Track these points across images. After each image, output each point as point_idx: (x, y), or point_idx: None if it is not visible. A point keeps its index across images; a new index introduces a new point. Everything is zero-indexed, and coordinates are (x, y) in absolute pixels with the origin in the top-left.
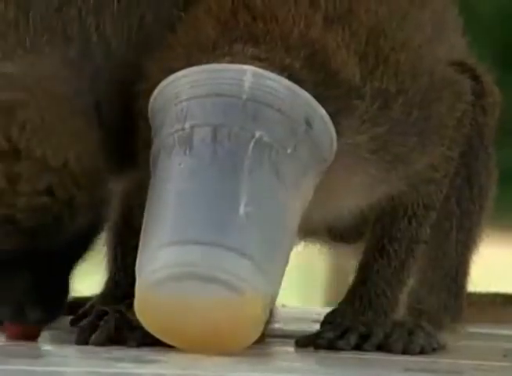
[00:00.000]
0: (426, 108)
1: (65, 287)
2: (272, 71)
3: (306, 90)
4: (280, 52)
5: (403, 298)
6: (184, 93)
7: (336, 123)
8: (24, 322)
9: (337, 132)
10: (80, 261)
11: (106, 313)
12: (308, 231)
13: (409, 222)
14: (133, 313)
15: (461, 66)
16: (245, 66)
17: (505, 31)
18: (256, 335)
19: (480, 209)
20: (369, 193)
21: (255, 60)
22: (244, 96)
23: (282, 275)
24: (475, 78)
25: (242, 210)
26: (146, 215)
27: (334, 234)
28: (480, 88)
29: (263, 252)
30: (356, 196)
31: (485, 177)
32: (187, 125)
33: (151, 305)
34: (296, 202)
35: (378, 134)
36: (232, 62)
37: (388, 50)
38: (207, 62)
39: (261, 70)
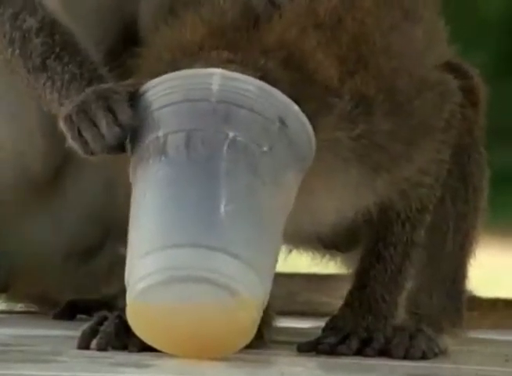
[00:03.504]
0: (411, 112)
1: None
2: (246, 73)
3: (281, 90)
4: (255, 55)
5: (402, 301)
6: (156, 102)
7: (314, 120)
8: None
9: (315, 129)
10: None
11: (106, 318)
12: (300, 239)
13: (403, 226)
14: None
15: (447, 66)
16: (213, 70)
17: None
18: (250, 336)
19: (475, 210)
20: (353, 197)
21: (229, 63)
22: (213, 99)
23: (272, 273)
24: (463, 75)
25: (222, 209)
26: (129, 224)
27: (326, 242)
28: (468, 85)
29: (249, 250)
30: (340, 198)
31: (479, 177)
32: (161, 134)
33: (142, 313)
34: (277, 199)
35: (358, 134)
36: (204, 66)
37: (369, 55)
38: (182, 67)
39: (229, 73)
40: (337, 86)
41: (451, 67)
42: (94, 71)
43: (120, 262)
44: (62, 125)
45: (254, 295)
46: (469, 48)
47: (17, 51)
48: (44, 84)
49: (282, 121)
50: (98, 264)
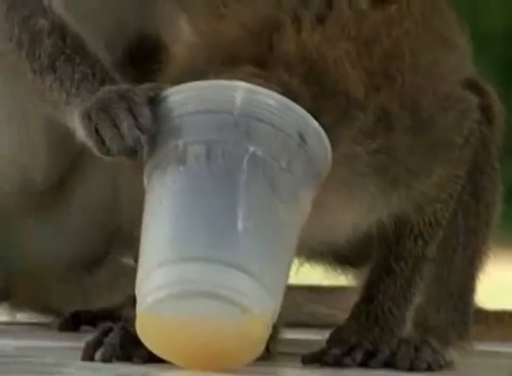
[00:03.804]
0: (432, 128)
1: None
2: (269, 87)
3: (302, 104)
4: (280, 69)
5: (409, 315)
6: (177, 110)
7: (334, 132)
8: None
9: (335, 142)
10: None
11: (111, 329)
12: (313, 252)
13: (416, 241)
14: None
15: (465, 82)
16: (237, 83)
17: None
18: (259, 351)
19: (486, 225)
20: (368, 211)
21: (253, 77)
22: (236, 112)
23: (282, 290)
24: (480, 92)
25: (240, 224)
26: (142, 232)
27: (340, 257)
28: (485, 102)
29: (263, 267)
30: (355, 212)
31: (491, 192)
32: (180, 143)
33: (152, 325)
34: (293, 215)
35: (377, 150)
36: (228, 78)
37: (398, 71)
38: (205, 77)
39: (252, 86)
40: (362, 99)
41: (468, 83)
42: (106, 73)
43: (124, 272)
44: (77, 121)
45: (264, 312)
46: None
47: (24, 52)
48: (50, 84)
49: (301, 137)
50: (102, 274)
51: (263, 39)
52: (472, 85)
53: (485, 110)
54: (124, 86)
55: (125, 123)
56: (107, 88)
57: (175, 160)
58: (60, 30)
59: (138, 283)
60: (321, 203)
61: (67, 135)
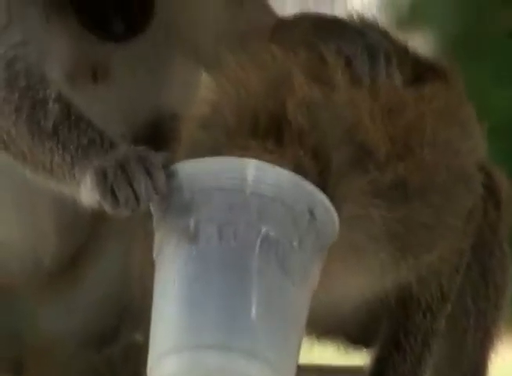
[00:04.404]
0: (443, 202)
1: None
2: (281, 164)
3: (311, 178)
4: (294, 145)
5: None
6: (188, 184)
7: (348, 182)
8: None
9: (348, 199)
10: None
11: None
12: (324, 331)
13: (424, 315)
14: None
15: (477, 165)
16: (248, 160)
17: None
18: None
19: (496, 308)
20: (376, 280)
21: (264, 153)
22: (248, 191)
23: (294, 371)
24: (488, 175)
25: (253, 310)
26: (153, 312)
27: (350, 335)
28: (493, 185)
29: (276, 352)
30: (363, 280)
31: (501, 275)
32: (192, 221)
33: None
34: (303, 294)
35: (392, 217)
36: (240, 154)
37: (418, 144)
38: (218, 153)
39: (263, 164)
40: (382, 159)
41: (478, 167)
42: (114, 141)
43: (135, 349)
44: (90, 179)
45: None
46: None
47: (23, 117)
48: (51, 148)
49: (311, 213)
50: (113, 350)
51: (280, 104)
52: (481, 168)
53: (493, 194)
54: (140, 148)
55: (142, 184)
56: (123, 148)
57: (187, 240)
58: (65, 100)
59: (149, 365)
60: (331, 269)
61: (77, 216)
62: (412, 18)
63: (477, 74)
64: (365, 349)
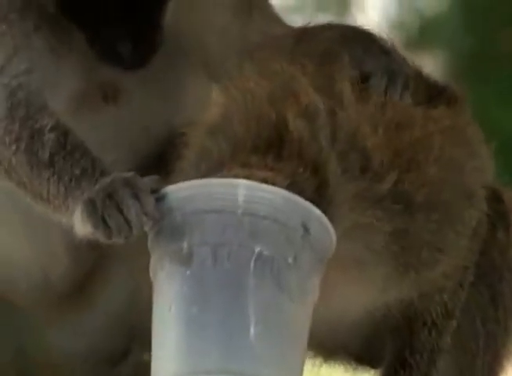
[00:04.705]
0: (447, 219)
1: (156, 25)
2: (277, 180)
3: (305, 194)
4: (293, 159)
5: None
6: (179, 207)
7: (343, 191)
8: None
9: (345, 208)
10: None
11: None
12: (329, 352)
13: (429, 333)
14: None
15: (485, 188)
16: (238, 180)
17: None
18: None
19: (506, 331)
20: (379, 294)
21: (266, 170)
22: (239, 211)
23: None
24: (498, 199)
25: (252, 331)
26: (153, 337)
27: (357, 355)
28: (502, 209)
29: (277, 370)
30: (365, 294)
31: (510, 297)
32: (185, 244)
33: None
34: (304, 310)
35: (394, 229)
36: (232, 174)
37: (425, 160)
38: (210, 174)
39: (254, 183)
40: (379, 170)
41: (486, 190)
42: (105, 169)
43: (145, 368)
44: (80, 211)
45: None
46: None
47: (22, 147)
48: (48, 179)
49: (305, 227)
50: (122, 370)
51: (283, 114)
52: (490, 190)
53: (503, 218)
54: (126, 174)
55: (132, 210)
56: (110, 177)
57: (181, 263)
58: (62, 129)
59: None
60: (332, 280)
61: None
62: (421, 39)
63: (486, 95)
64: (372, 370)
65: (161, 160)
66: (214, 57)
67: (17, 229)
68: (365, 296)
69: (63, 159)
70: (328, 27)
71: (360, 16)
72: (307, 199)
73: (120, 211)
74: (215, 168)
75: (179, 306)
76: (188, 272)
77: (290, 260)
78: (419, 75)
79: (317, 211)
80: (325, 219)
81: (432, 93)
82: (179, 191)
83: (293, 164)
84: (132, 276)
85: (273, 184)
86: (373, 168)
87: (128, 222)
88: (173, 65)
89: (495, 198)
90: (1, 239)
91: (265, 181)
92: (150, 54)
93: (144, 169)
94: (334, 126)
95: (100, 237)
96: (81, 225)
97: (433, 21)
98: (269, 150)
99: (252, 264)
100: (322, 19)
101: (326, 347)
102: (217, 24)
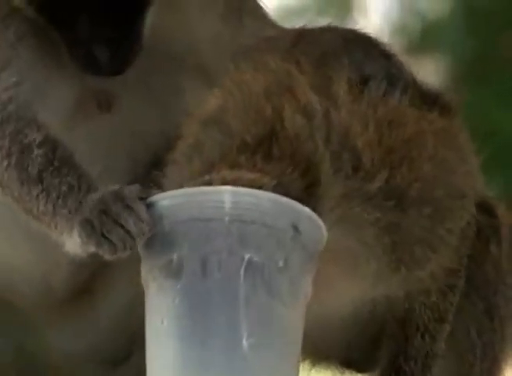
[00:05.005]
0: (437, 214)
1: (134, 31)
2: (260, 182)
3: (293, 193)
4: (284, 159)
5: None
6: (167, 216)
7: (334, 186)
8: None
9: (335, 202)
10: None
11: None
12: (319, 354)
13: (423, 338)
14: None
15: (476, 200)
16: (223, 187)
17: None
18: None
19: (503, 338)
20: (369, 289)
21: (254, 171)
22: (227, 218)
23: None
24: (490, 212)
25: (245, 343)
26: (146, 350)
27: (346, 360)
28: (495, 222)
29: None
30: (355, 289)
31: (505, 308)
32: (175, 256)
33: None
34: (296, 312)
35: (386, 225)
36: (218, 180)
37: (418, 157)
38: (197, 182)
39: (239, 189)
40: (369, 166)
41: (479, 202)
42: (92, 184)
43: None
44: (79, 233)
45: None
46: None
47: (13, 163)
48: (37, 195)
49: (295, 228)
50: (124, 373)
51: (278, 110)
52: (483, 205)
53: (495, 233)
54: (113, 187)
55: (130, 220)
56: (98, 193)
57: (172, 275)
58: (52, 143)
59: None
60: (324, 272)
61: None
62: (423, 42)
63: (487, 98)
64: (358, 374)
65: (157, 167)
66: (208, 63)
67: (18, 236)
68: (355, 290)
69: (50, 175)
70: (328, 30)
71: (362, 19)
72: (295, 199)
73: (119, 225)
74: (204, 170)
75: (171, 320)
76: (178, 286)
77: (281, 263)
78: (413, 82)
79: (306, 210)
80: (315, 216)
81: (426, 101)
82: (166, 200)
83: (282, 163)
84: (133, 281)
85: (260, 186)
86: (364, 167)
87: (128, 233)
88: (167, 71)
89: (488, 212)
90: (1, 245)
91: (252, 183)
92: (128, 60)
93: (140, 176)
94: (329, 127)
95: (105, 254)
96: (82, 246)
97: (435, 25)
98: (260, 147)
99: (242, 272)
100: (324, 22)
101: (314, 348)
102: (208, 31)
